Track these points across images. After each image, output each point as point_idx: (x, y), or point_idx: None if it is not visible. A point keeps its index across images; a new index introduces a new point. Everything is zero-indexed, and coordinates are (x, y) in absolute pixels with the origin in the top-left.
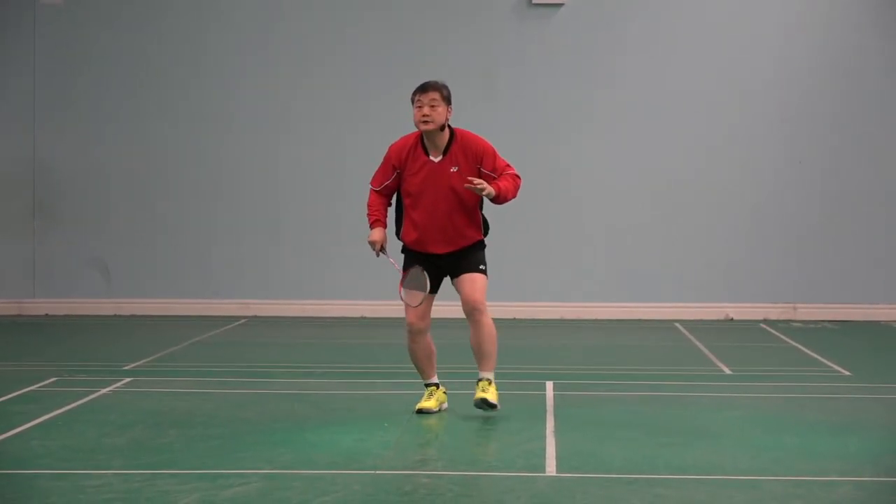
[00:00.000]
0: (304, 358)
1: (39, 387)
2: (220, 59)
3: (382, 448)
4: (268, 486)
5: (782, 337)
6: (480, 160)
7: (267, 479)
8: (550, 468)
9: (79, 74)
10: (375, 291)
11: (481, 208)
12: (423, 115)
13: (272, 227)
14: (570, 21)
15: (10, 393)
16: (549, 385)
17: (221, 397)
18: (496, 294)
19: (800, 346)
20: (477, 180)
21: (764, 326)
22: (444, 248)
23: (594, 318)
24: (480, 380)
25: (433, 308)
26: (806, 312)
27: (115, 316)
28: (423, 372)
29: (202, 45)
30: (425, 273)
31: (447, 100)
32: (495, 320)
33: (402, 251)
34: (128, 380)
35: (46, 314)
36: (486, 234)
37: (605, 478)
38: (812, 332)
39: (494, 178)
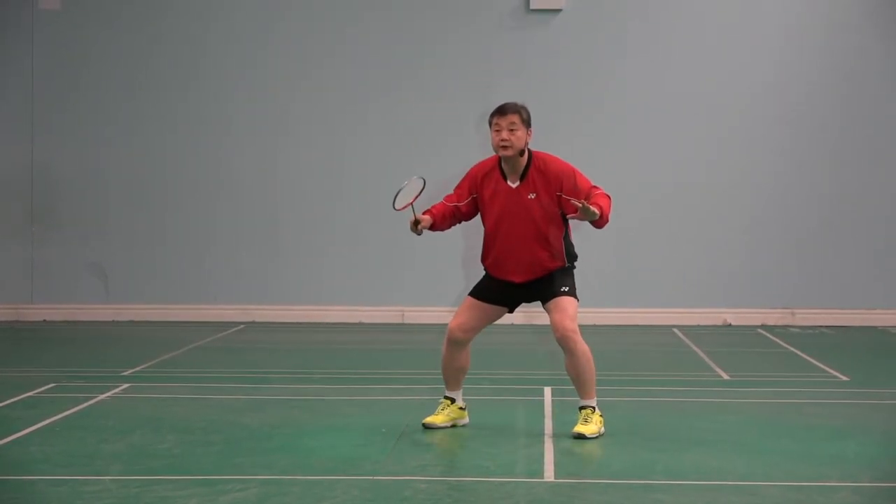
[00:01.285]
0: (303, 363)
1: (38, 392)
2: (217, 63)
3: (381, 453)
4: (266, 491)
5: (780, 342)
6: (560, 184)
7: (265, 485)
8: (549, 473)
9: (77, 78)
10: (374, 297)
11: (566, 236)
12: (502, 140)
13: (270, 233)
14: (569, 26)
15: (8, 399)
16: (548, 390)
17: (220, 403)
18: None
19: (798, 352)
20: (580, 201)
21: (762, 332)
22: (522, 277)
23: (592, 323)
24: (583, 408)
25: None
26: (804, 318)
27: (113, 321)
28: (446, 382)
29: (200, 48)
30: (423, 181)
31: (527, 122)
32: (492, 326)
33: (484, 272)
34: (126, 385)
35: (45, 320)
36: (572, 261)
37: (604, 483)
38: (810, 337)
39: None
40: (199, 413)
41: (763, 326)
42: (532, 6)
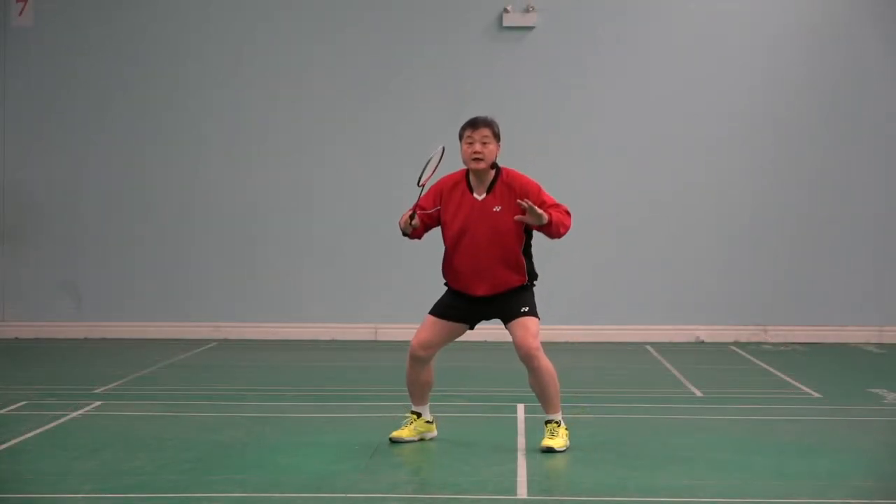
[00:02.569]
0: (275, 381)
1: (9, 410)
2: (190, 80)
3: (353, 471)
4: None
5: (753, 359)
6: (526, 195)
7: (237, 503)
8: (521, 491)
9: (49, 95)
10: (347, 315)
11: (526, 252)
12: (475, 153)
13: (243, 250)
14: (541, 43)
15: None
16: (521, 407)
17: (192, 420)
18: None
19: (770, 369)
20: (526, 201)
21: (734, 349)
22: (483, 290)
23: (565, 340)
24: (549, 422)
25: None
26: (776, 334)
27: (85, 339)
28: (411, 397)
29: (173, 66)
30: (443, 148)
31: (497, 136)
32: (464, 343)
33: (445, 286)
34: (98, 403)
35: (16, 337)
36: (532, 279)
37: (576, 500)
38: (782, 354)
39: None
40: (171, 430)
41: (736, 343)
42: (505, 23)
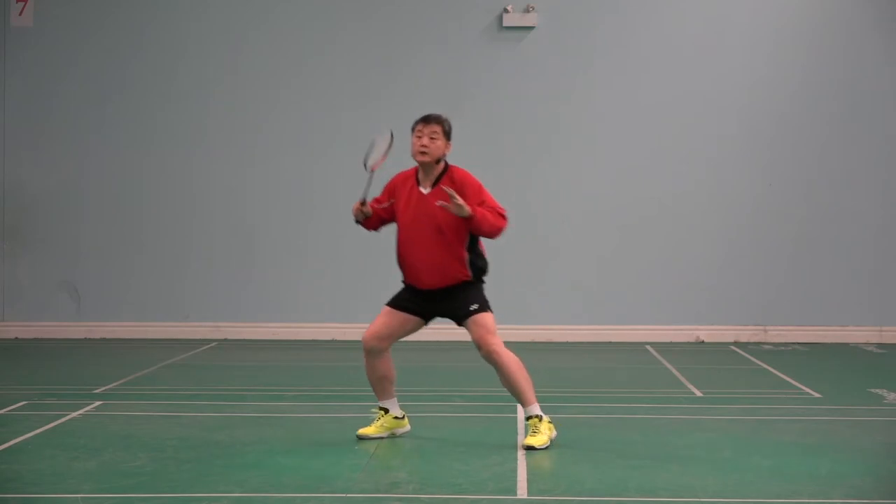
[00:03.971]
0: (275, 381)
1: (9, 411)
2: (190, 80)
3: (353, 471)
4: None
5: (753, 359)
6: (465, 193)
7: (238, 503)
8: (521, 490)
9: (49, 95)
10: (346, 314)
11: (472, 247)
12: (422, 146)
13: (242, 251)
14: (542, 43)
15: None
16: (520, 408)
17: (192, 420)
18: None
19: (770, 369)
20: (450, 190)
21: (734, 349)
22: (432, 281)
23: (565, 340)
24: (529, 417)
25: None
26: (776, 335)
27: (85, 339)
28: (374, 392)
29: (173, 66)
30: (391, 134)
31: (447, 134)
32: (464, 343)
33: (403, 282)
34: (98, 403)
35: (16, 337)
36: (478, 275)
37: (576, 500)
38: (783, 354)
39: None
40: (171, 431)
41: (736, 343)
42: (505, 24)
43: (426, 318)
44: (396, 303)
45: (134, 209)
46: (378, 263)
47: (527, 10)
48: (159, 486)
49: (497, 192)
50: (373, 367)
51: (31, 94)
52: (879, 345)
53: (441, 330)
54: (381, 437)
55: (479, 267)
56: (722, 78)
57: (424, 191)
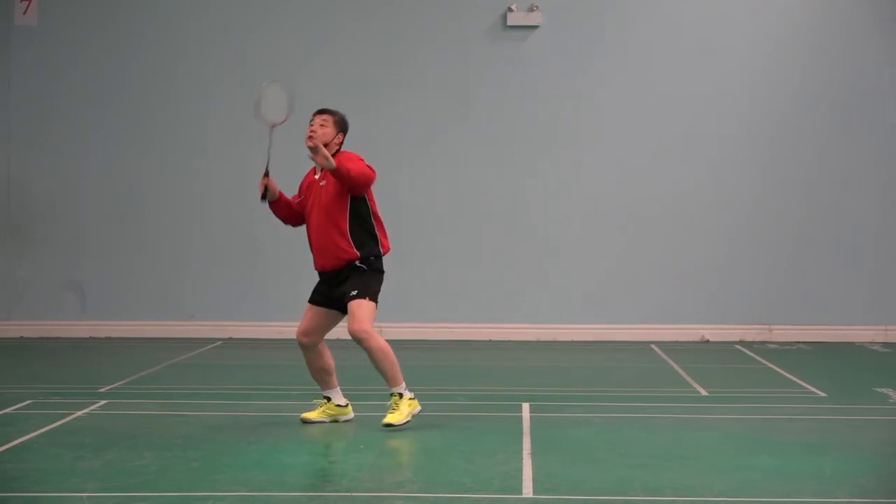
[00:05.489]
0: (280, 380)
1: (14, 409)
2: (193, 79)
3: (358, 470)
4: None
5: (758, 358)
6: (345, 164)
7: (242, 502)
8: (527, 490)
9: (53, 94)
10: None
11: (360, 226)
12: (310, 132)
13: (246, 249)
14: (546, 43)
15: None
16: (526, 406)
17: (197, 420)
18: (472, 316)
19: (775, 368)
20: (314, 143)
21: (739, 348)
22: (327, 264)
23: (570, 339)
24: (392, 395)
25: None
26: (781, 334)
27: (90, 338)
28: (318, 383)
29: (176, 64)
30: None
31: (338, 125)
32: (469, 342)
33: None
34: (103, 402)
35: (21, 336)
36: (367, 256)
37: (581, 499)
38: (787, 353)
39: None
40: (176, 430)
41: (741, 342)
42: (509, 22)
43: (336, 307)
44: (312, 298)
45: (138, 208)
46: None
47: (531, 10)
48: (164, 485)
49: (500, 190)
50: (310, 360)
51: (35, 94)
52: (885, 344)
53: (445, 329)
54: (324, 422)
55: (370, 251)
56: (723, 77)
57: (317, 177)
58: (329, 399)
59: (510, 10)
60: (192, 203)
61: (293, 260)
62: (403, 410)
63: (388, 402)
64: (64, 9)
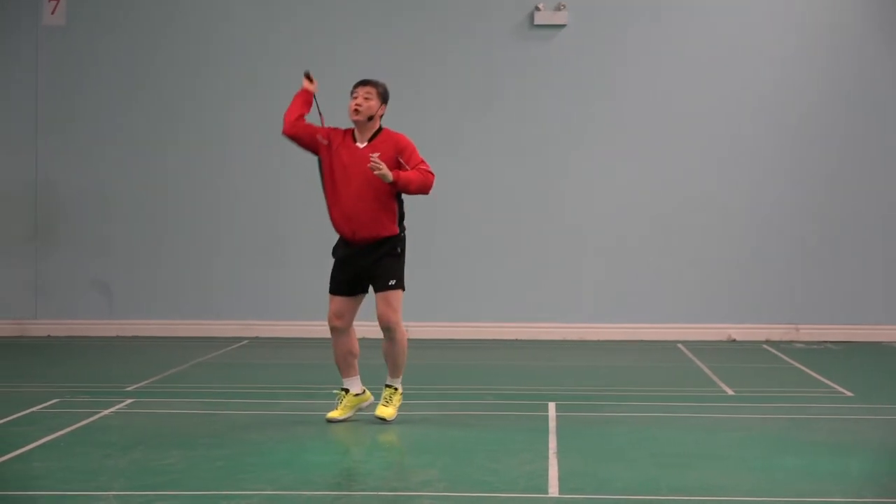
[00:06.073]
0: (307, 379)
1: (41, 408)
2: (220, 78)
3: (384, 469)
4: None
5: (785, 358)
6: (401, 151)
7: (269, 501)
8: (553, 489)
9: (81, 95)
10: (374, 312)
11: (401, 204)
12: (356, 105)
13: (273, 248)
14: (572, 42)
15: (11, 414)
16: (552, 406)
17: (223, 418)
18: (497, 314)
19: (802, 367)
20: (377, 156)
21: (766, 347)
22: (362, 235)
23: (596, 338)
24: (388, 386)
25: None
26: (808, 333)
27: (117, 337)
28: (339, 370)
29: (203, 64)
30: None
31: (382, 97)
32: (495, 341)
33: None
34: (130, 401)
35: (49, 335)
36: (402, 232)
37: (608, 499)
38: (814, 352)
39: (407, 169)
40: (202, 429)
41: (768, 342)
42: (536, 22)
43: (358, 290)
44: (334, 290)
45: (164, 207)
46: (407, 262)
47: (558, 9)
48: (190, 484)
49: (526, 189)
50: (340, 344)
51: (64, 94)
52: None
53: (472, 328)
54: (350, 418)
55: (402, 227)
56: (755, 73)
57: (360, 146)
58: (347, 391)
59: (537, 9)
60: (218, 201)
61: (319, 258)
62: (395, 405)
63: (382, 394)
64: (92, 8)
